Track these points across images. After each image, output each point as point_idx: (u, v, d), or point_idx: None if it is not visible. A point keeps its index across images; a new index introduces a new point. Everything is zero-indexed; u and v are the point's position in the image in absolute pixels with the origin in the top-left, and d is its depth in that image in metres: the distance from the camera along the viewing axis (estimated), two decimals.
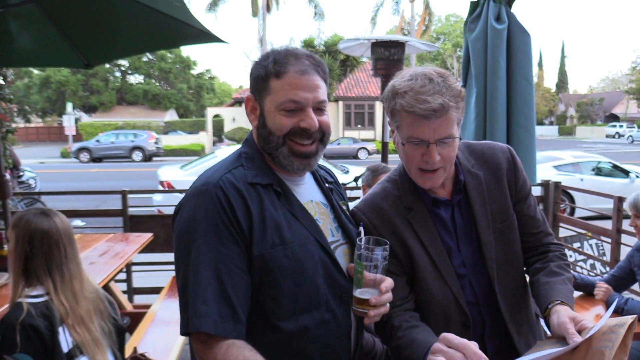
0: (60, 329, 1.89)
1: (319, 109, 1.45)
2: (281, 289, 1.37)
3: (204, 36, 3.19)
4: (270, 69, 1.41)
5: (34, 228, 1.96)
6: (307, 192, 1.56)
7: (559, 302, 1.44)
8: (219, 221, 1.33)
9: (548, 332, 1.60)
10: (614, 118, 58.95)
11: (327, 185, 1.65)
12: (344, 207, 1.68)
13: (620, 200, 4.34)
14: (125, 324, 2.24)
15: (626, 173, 11.20)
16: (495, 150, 1.67)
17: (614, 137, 48.52)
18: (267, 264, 1.36)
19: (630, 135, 44.95)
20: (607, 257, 5.21)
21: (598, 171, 11.46)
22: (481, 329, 1.60)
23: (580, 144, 37.73)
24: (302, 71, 1.40)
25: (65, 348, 1.89)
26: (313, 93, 1.42)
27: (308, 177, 1.59)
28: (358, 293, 1.39)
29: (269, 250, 1.36)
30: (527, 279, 1.71)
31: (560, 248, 1.69)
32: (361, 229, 1.49)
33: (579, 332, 1.30)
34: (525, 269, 1.72)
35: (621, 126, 49.74)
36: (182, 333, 1.32)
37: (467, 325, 1.58)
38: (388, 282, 1.40)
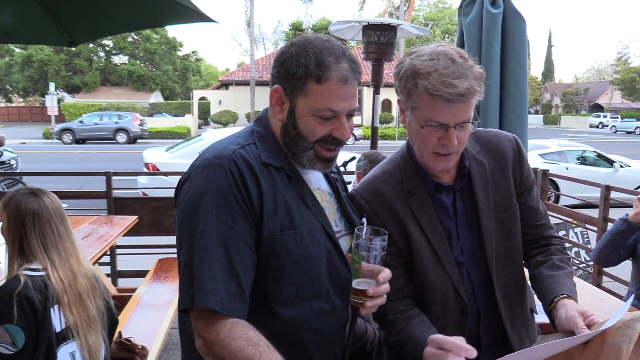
0: (55, 307, 1.89)
1: (350, 114, 1.41)
2: (285, 274, 1.33)
3: (193, 15, 3.11)
4: (311, 70, 1.33)
5: (24, 209, 1.96)
6: (315, 179, 1.51)
7: (565, 295, 1.41)
8: (230, 195, 1.28)
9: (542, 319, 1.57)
10: (598, 108, 59.58)
11: (332, 175, 1.62)
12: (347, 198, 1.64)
13: (607, 189, 4.36)
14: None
15: (610, 162, 11.33)
16: (501, 139, 1.63)
17: (597, 127, 49.08)
18: (275, 247, 1.32)
19: (614, 126, 45.53)
20: (592, 245, 5.27)
21: (583, 160, 11.58)
22: (476, 319, 1.58)
23: (564, 133, 38.11)
24: (344, 80, 1.34)
25: (57, 327, 1.89)
26: (350, 102, 1.37)
27: None
28: (355, 283, 1.36)
29: (279, 232, 1.32)
30: (527, 273, 1.68)
31: (561, 242, 1.67)
32: (364, 219, 1.45)
33: (588, 327, 1.27)
34: (524, 262, 1.68)
35: (605, 116, 50.28)
36: (182, 309, 1.26)
37: (465, 313, 1.55)
38: (386, 273, 1.37)
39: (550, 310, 1.43)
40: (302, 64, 1.34)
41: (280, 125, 1.42)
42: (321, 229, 1.40)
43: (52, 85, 30.28)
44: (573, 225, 5.43)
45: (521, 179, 1.62)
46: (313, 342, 1.39)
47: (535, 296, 1.73)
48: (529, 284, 1.68)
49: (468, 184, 1.57)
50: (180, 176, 1.42)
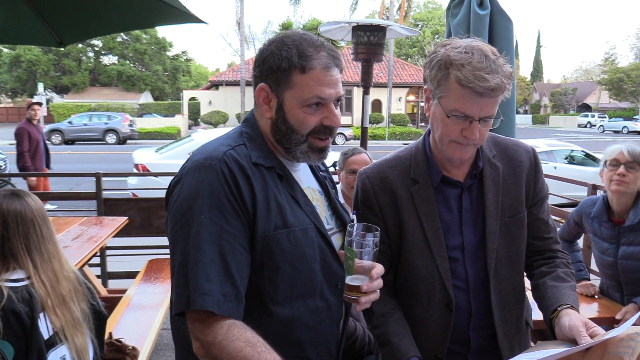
0: (40, 315, 1.85)
1: (337, 101, 1.42)
2: (280, 273, 1.34)
3: (182, 16, 3.13)
4: (294, 62, 1.34)
5: (6, 210, 1.90)
6: (305, 178, 1.53)
7: (569, 306, 1.44)
8: (223, 197, 1.28)
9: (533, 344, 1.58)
10: (586, 108, 60.07)
11: (321, 173, 1.63)
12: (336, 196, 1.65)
13: (594, 188, 4.41)
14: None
15: (597, 162, 11.44)
16: (519, 148, 1.66)
17: (585, 126, 49.49)
18: (270, 246, 1.32)
19: (602, 125, 45.93)
20: (579, 244, 5.32)
21: (571, 159, 11.69)
22: (467, 317, 1.59)
23: (553, 133, 38.40)
24: (327, 67, 1.36)
25: (45, 335, 1.85)
26: (336, 88, 1.39)
27: (303, 164, 1.56)
28: (349, 280, 1.37)
29: (272, 232, 1.33)
30: (528, 283, 1.69)
31: (567, 256, 1.69)
32: (354, 216, 1.47)
33: (590, 337, 1.29)
34: (528, 272, 1.70)
35: (593, 116, 50.72)
36: (177, 312, 1.25)
37: (450, 308, 1.56)
38: (379, 269, 1.38)
39: (551, 319, 1.45)
40: (284, 57, 1.35)
41: (270, 123, 1.42)
42: (314, 228, 1.41)
43: (40, 86, 29.94)
44: (561, 224, 5.48)
45: (535, 190, 1.65)
46: (308, 340, 1.40)
47: (532, 310, 1.76)
48: (529, 295, 1.68)
49: (478, 184, 1.60)
50: (170, 177, 1.41)
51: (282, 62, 1.35)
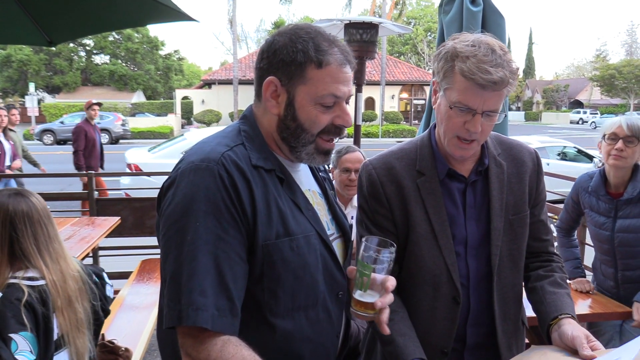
0: (53, 315, 1.82)
1: (347, 100, 1.37)
2: (282, 283, 1.26)
3: (174, 14, 3.10)
4: (311, 56, 1.26)
5: (13, 211, 1.85)
6: (306, 180, 1.44)
7: (570, 315, 1.46)
8: (220, 202, 1.18)
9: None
10: (578, 104, 60.42)
11: (320, 174, 1.56)
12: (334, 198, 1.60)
13: None
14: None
15: (590, 158, 11.50)
16: (522, 149, 1.67)
17: (577, 123, 49.79)
18: (271, 255, 1.24)
19: (594, 122, 46.18)
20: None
21: (563, 156, 11.74)
22: (466, 313, 1.59)
23: (545, 129, 38.60)
24: (342, 63, 1.29)
25: (54, 337, 1.83)
26: (349, 86, 1.33)
27: (304, 164, 1.47)
28: (358, 295, 1.27)
29: (274, 240, 1.24)
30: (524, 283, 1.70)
31: (561, 260, 1.71)
32: (352, 221, 1.44)
33: (591, 350, 1.31)
34: (523, 273, 1.70)
35: (585, 112, 51.07)
36: (168, 326, 1.16)
37: (457, 301, 1.56)
38: (392, 281, 1.29)
39: (550, 325, 1.47)
40: (299, 50, 1.27)
41: (277, 120, 1.33)
42: (316, 234, 1.34)
43: (32, 86, 29.84)
44: (554, 220, 5.50)
45: (537, 191, 1.66)
46: (308, 353, 1.34)
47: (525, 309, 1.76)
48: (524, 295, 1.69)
49: (483, 181, 1.60)
50: (163, 177, 1.35)
51: (298, 55, 1.26)
